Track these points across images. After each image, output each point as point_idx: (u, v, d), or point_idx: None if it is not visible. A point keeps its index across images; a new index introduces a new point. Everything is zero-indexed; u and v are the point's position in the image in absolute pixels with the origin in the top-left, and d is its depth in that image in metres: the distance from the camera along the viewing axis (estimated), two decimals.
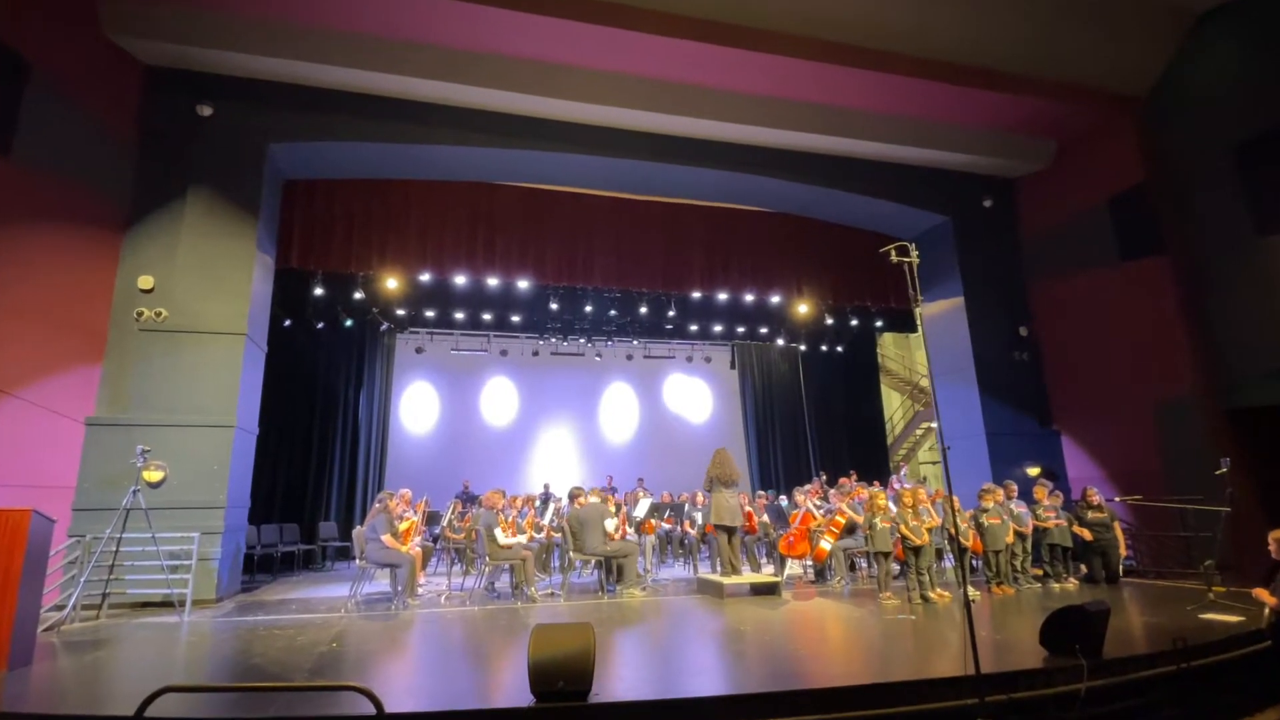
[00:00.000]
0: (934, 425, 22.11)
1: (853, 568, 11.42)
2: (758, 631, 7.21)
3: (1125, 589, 9.97)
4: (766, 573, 11.27)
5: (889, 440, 22.56)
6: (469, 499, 15.20)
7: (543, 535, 11.69)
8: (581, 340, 19.20)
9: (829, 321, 17.79)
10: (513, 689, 5.17)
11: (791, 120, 12.75)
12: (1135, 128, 12.83)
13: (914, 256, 6.17)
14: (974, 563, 11.17)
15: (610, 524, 10.22)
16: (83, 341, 9.65)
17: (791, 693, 4.97)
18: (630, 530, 11.57)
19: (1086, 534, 10.59)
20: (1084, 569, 10.74)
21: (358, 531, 9.81)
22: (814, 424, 20.78)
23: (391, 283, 14.22)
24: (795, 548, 11.11)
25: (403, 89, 11.44)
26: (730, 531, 10.16)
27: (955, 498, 7.94)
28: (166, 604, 8.95)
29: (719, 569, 10.75)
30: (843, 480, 13.56)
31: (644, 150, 12.72)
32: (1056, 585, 10.29)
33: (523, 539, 10.44)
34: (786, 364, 21.40)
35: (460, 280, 14.39)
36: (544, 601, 9.45)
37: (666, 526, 13.42)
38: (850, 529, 10.85)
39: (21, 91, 8.63)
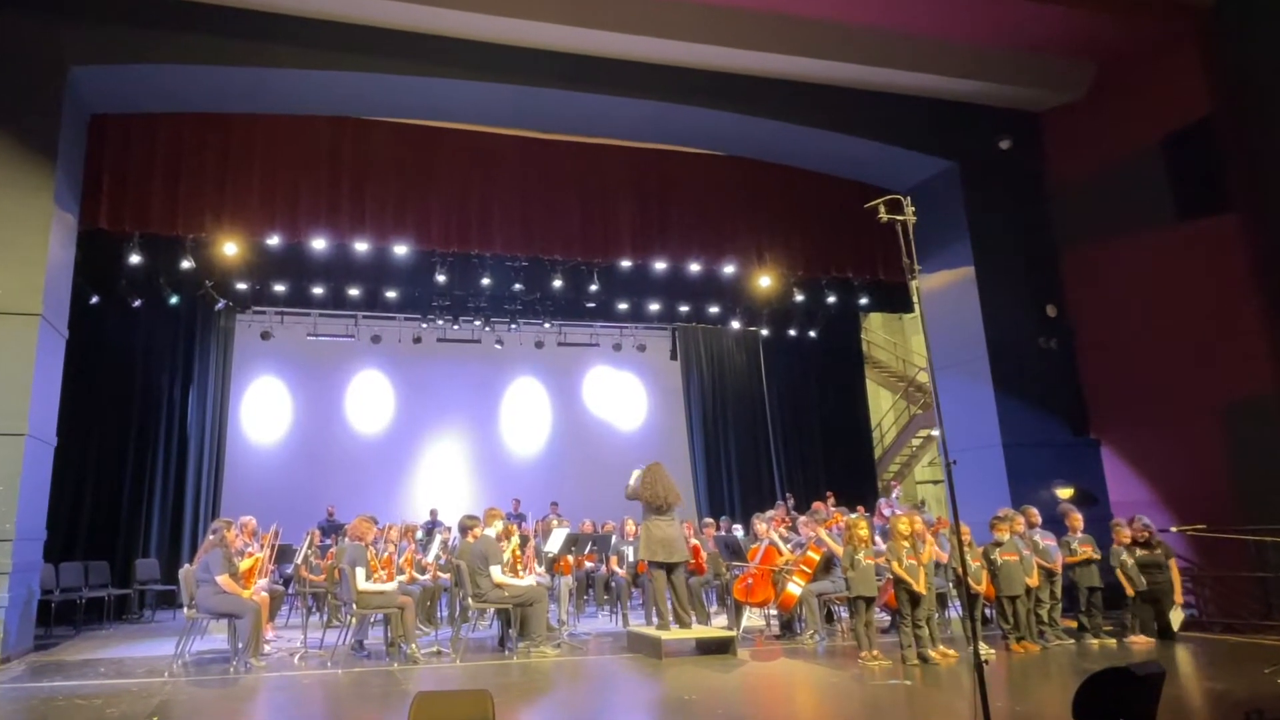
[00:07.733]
0: (935, 433, 22.70)
1: (830, 618, 11.64)
2: (707, 702, 7.43)
3: (1184, 646, 10.10)
4: (717, 625, 11.46)
5: (877, 452, 23.09)
6: (333, 529, 15.28)
7: (427, 576, 11.88)
8: (477, 323, 19.00)
9: (799, 299, 17.74)
10: None
11: (746, 36, 12.73)
12: (1199, 46, 12.60)
13: (909, 214, 6.31)
14: (987, 612, 11.41)
15: (496, 570, 10.00)
16: None
17: None
18: (540, 569, 11.58)
19: (1129, 587, 10.60)
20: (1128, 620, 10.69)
21: (186, 571, 9.85)
22: (779, 431, 21.09)
23: (230, 248, 14.04)
24: (755, 592, 11.20)
25: None
26: (669, 569, 10.17)
27: (964, 527, 8.14)
28: None
29: (654, 620, 10.77)
30: (817, 505, 13.56)
31: (556, 75, 12.75)
32: (1095, 641, 10.35)
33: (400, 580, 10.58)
34: (744, 353, 21.68)
35: (319, 245, 14.23)
36: (428, 662, 9.67)
37: (588, 565, 13.67)
38: (826, 567, 10.96)
39: None
